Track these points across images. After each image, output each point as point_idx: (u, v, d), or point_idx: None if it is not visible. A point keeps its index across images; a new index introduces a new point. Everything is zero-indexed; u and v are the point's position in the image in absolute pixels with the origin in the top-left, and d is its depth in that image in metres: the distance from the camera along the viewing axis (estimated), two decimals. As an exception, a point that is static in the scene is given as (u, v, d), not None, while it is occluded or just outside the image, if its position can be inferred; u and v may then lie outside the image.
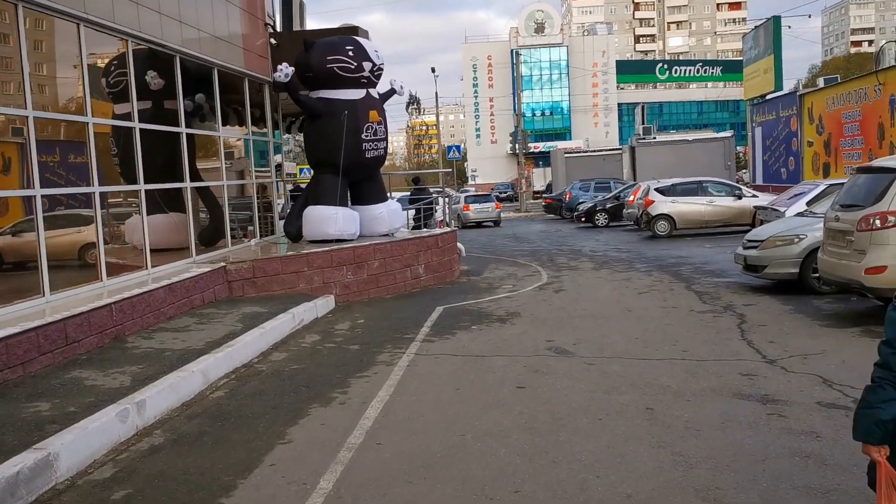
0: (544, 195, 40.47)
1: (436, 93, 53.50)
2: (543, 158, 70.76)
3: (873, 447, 2.89)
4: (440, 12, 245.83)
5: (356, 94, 13.61)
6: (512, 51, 77.93)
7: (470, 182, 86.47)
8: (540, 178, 66.04)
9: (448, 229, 15.71)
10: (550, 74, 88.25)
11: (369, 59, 13.57)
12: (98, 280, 9.28)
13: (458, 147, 43.13)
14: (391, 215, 14.35)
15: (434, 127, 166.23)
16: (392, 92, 15.06)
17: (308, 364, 8.26)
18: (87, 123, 9.41)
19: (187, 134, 12.43)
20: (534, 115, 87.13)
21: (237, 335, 8.68)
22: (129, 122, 10.88)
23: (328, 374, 7.76)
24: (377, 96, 14.10)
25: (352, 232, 13.45)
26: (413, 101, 54.36)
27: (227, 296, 11.26)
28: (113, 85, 13.42)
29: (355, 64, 13.41)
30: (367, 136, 13.61)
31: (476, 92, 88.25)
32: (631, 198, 26.47)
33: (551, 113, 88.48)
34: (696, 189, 23.45)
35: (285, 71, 12.73)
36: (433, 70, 52.94)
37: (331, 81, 13.42)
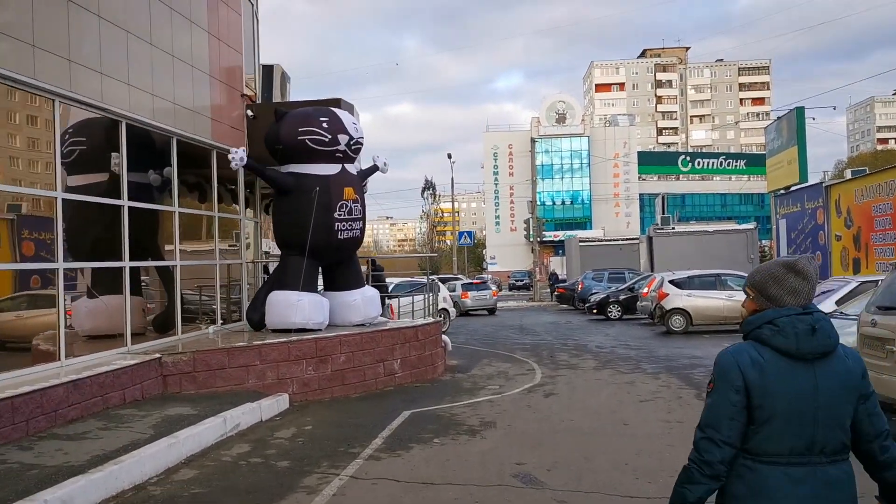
0: (556, 284, 38.87)
1: (451, 178, 52.77)
2: (562, 247, 69.66)
3: None
4: (468, 103, 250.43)
5: (330, 169, 12.36)
6: (532, 139, 77.84)
7: (488, 269, 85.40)
8: (559, 266, 64.74)
9: (430, 320, 14.20)
10: (571, 164, 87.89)
11: (345, 132, 12.36)
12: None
13: (469, 233, 41.96)
14: (367, 303, 12.88)
15: (455, 213, 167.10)
16: (374, 169, 13.80)
17: (214, 488, 6.66)
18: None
19: (148, 209, 11.19)
20: (554, 203, 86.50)
21: (139, 446, 7.14)
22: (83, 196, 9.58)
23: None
24: (355, 172, 12.83)
25: (318, 321, 11.97)
26: (428, 186, 53.79)
27: (160, 392, 9.74)
28: (66, 155, 12.34)
29: (329, 136, 12.20)
30: (340, 214, 12.28)
31: (496, 180, 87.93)
32: (645, 290, 24.89)
33: (571, 202, 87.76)
34: (715, 282, 21.85)
35: (238, 155, 11.54)
36: (449, 156, 52.35)
37: (302, 155, 12.20)
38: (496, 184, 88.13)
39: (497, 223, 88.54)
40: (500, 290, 64.96)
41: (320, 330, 12.03)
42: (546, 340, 20.46)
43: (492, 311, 32.99)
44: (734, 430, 2.71)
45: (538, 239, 43.40)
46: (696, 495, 2.75)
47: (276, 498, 6.36)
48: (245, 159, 11.56)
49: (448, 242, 46.24)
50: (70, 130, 11.82)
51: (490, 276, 68.06)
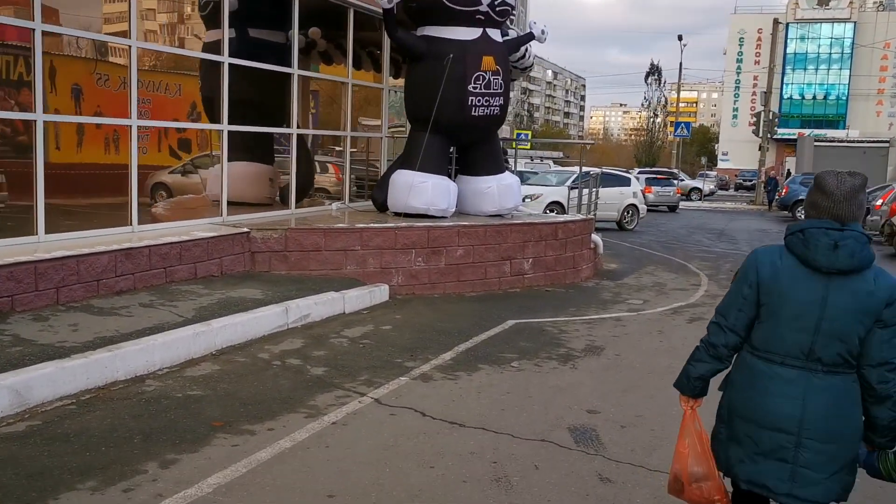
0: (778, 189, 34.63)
1: (680, 64, 48.23)
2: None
3: (682, 398, 3.18)
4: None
5: (469, 33, 10.71)
6: (786, 24, 69.73)
7: (719, 166, 79.40)
8: (794, 167, 58.42)
9: (579, 216, 12.43)
10: (830, 53, 77.85)
11: (489, -10, 10.58)
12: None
13: (687, 125, 38.09)
14: (503, 192, 11.36)
15: (691, 104, 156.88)
16: (528, 37, 11.95)
17: (215, 392, 5.73)
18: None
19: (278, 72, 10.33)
20: (803, 98, 77.72)
21: (161, 331, 6.37)
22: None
23: (209, 417, 5.20)
24: (499, 39, 11.08)
25: (441, 207, 10.67)
26: (652, 71, 49.63)
27: (245, 269, 9.01)
28: (202, 7, 11.68)
29: (470, -6, 10.49)
30: (475, 87, 10.68)
31: (739, 68, 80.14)
32: (879, 202, 21.12)
33: (825, 97, 78.26)
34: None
35: None
36: (680, 38, 47.71)
37: (438, 15, 10.63)
38: (738, 73, 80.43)
39: (735, 116, 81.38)
40: (728, 189, 60.25)
41: (444, 217, 10.76)
42: (740, 251, 17.89)
43: (672, 208, 32.12)
44: (740, 321, 2.96)
45: (769, 135, 38.74)
46: (699, 372, 3.08)
47: (277, 412, 5.31)
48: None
49: (671, 134, 42.58)
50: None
51: (715, 174, 63.09)
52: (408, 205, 10.66)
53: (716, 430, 3.12)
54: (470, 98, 10.68)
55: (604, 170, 27.00)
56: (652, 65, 49.65)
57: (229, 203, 11.18)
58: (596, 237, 12.58)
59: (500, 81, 10.89)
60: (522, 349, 7.56)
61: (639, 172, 41.23)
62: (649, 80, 49.78)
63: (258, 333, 7.24)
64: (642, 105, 52.52)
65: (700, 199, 42.41)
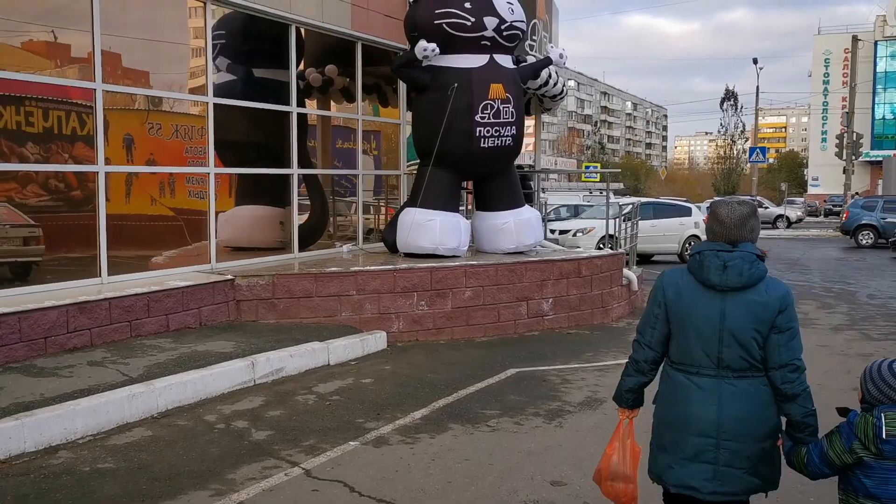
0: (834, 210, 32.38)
1: (756, 87, 46.21)
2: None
3: (619, 409, 3.49)
4: (814, 7, 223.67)
5: (474, 60, 10.04)
6: (874, 42, 66.71)
7: (809, 192, 76.04)
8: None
9: (604, 252, 11.48)
10: (927, 70, 73.90)
11: (493, 14, 9.91)
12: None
13: (763, 150, 36.19)
14: (521, 227, 10.55)
15: (780, 129, 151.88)
16: (546, 62, 11.19)
17: (132, 464, 5.11)
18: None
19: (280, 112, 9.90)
20: (896, 117, 73.86)
21: (95, 392, 5.83)
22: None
23: (101, 498, 4.58)
24: (509, 66, 10.37)
25: (450, 246, 9.95)
26: (728, 97, 47.78)
27: (231, 319, 8.48)
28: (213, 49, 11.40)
29: (473, 20, 9.84)
30: (482, 117, 9.98)
31: (826, 90, 76.89)
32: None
33: (924, 117, 74.13)
34: None
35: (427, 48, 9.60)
36: (755, 61, 45.85)
37: (441, 43, 10.01)
38: (825, 94, 77.17)
39: (823, 139, 77.81)
40: (818, 216, 57.29)
41: (456, 257, 10.03)
42: (808, 282, 16.48)
43: None
44: (655, 338, 3.29)
45: (853, 157, 36.50)
46: (628, 385, 3.42)
47: (164, 496, 4.63)
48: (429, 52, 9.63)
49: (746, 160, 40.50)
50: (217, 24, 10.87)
51: (802, 200, 60.20)
52: (415, 245, 9.99)
53: (650, 441, 3.34)
54: (478, 128, 9.98)
55: (661, 200, 25.86)
56: (727, 90, 47.78)
57: (238, 249, 10.85)
58: (630, 273, 11.60)
59: (511, 110, 10.15)
60: (509, 404, 6.72)
61: (710, 203, 39.48)
62: (724, 106, 47.89)
63: (216, 391, 6.64)
64: (718, 132, 50.44)
65: (786, 227, 40.28)
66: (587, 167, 38.63)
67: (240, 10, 9.56)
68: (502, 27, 10.00)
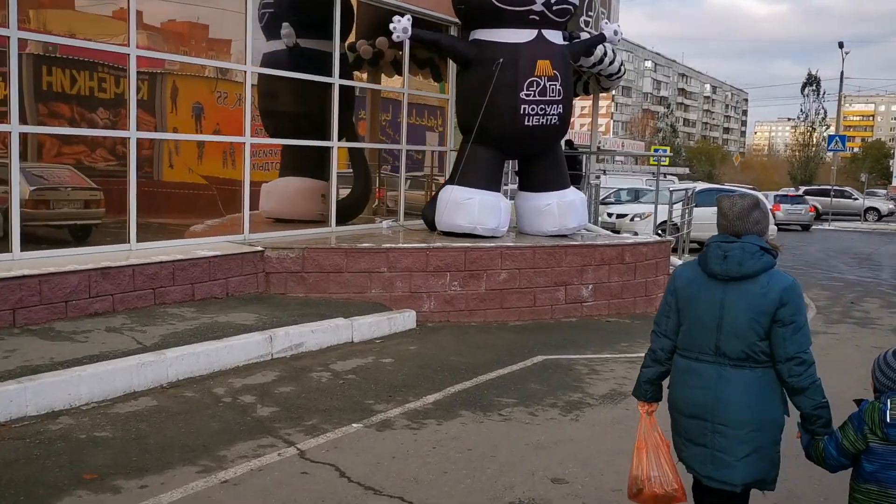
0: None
1: (841, 73, 44.26)
2: None
3: (639, 403, 3.53)
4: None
5: (522, 35, 9.69)
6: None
7: (893, 184, 72.90)
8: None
9: (653, 238, 11.04)
10: None
11: (544, -13, 9.54)
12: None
13: (842, 138, 34.55)
14: (564, 210, 10.22)
15: (867, 118, 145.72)
16: (600, 38, 10.75)
17: (129, 434, 5.06)
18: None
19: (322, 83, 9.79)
20: None
21: (106, 359, 5.82)
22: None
23: (88, 467, 4.53)
24: (559, 42, 9.99)
25: (489, 226, 9.69)
26: (810, 82, 45.85)
27: (260, 291, 8.42)
28: (260, 18, 11.34)
29: (521, -9, 9.50)
30: (528, 94, 9.64)
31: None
32: None
33: None
34: None
35: (400, 25, 9.22)
36: (841, 45, 43.88)
37: (487, 17, 9.70)
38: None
39: (913, 128, 74.45)
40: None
41: (495, 237, 9.78)
42: (878, 279, 15.67)
43: (806, 227, 30.25)
44: (669, 326, 3.40)
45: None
46: (646, 376, 3.49)
47: (151, 469, 4.55)
48: (409, 30, 9.36)
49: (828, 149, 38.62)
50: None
51: (885, 192, 57.55)
52: (453, 223, 9.77)
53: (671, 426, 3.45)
54: (522, 106, 9.65)
55: (722, 186, 25.00)
56: (809, 75, 45.73)
57: (280, 220, 10.81)
58: (679, 261, 11.14)
59: (558, 87, 9.79)
60: (528, 393, 6.48)
61: (805, 191, 37.98)
62: (806, 92, 45.96)
63: (230, 364, 6.57)
64: (798, 118, 48.50)
65: (877, 220, 38.18)
66: (656, 150, 37.57)
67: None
68: (552, 1, 9.62)
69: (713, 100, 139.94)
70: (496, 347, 8.02)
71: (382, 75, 12.89)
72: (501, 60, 9.58)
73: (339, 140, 10.93)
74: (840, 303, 12.27)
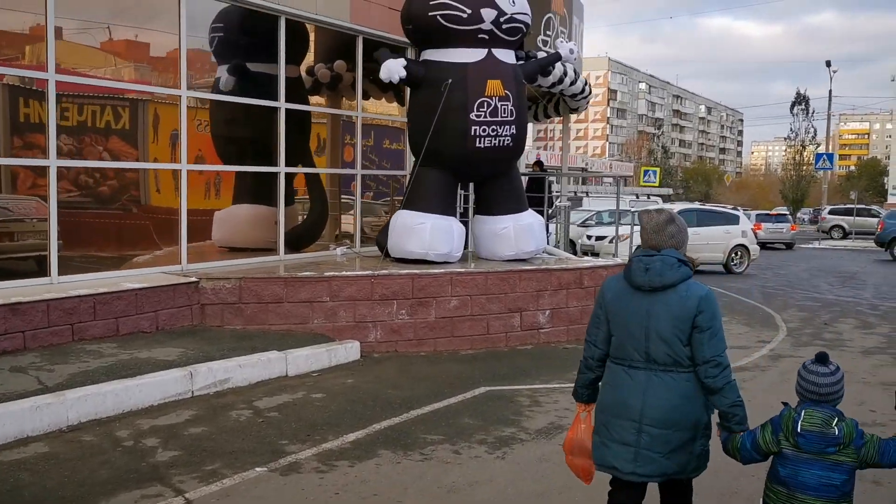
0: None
1: (829, 91, 44.09)
2: None
3: (577, 404, 3.79)
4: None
5: (470, 55, 9.41)
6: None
7: (889, 200, 72.85)
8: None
9: (613, 261, 10.68)
10: None
11: (491, 5, 9.26)
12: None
13: (829, 156, 34.36)
14: (520, 233, 9.87)
15: (862, 136, 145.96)
16: (555, 57, 10.48)
17: None
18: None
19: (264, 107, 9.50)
20: None
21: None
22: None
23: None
24: (510, 61, 9.71)
25: (442, 252, 9.35)
26: (799, 101, 45.68)
27: (193, 324, 8.06)
28: (210, 43, 11.06)
29: (469, 11, 9.21)
30: (478, 115, 9.34)
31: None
32: None
33: None
34: None
35: (391, 67, 9.14)
36: (828, 64, 43.77)
37: (436, 37, 9.42)
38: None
39: (908, 146, 74.52)
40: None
41: (448, 263, 9.44)
42: (857, 299, 15.26)
43: (789, 245, 30.77)
44: (599, 336, 3.62)
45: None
46: (581, 381, 3.74)
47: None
48: (403, 73, 9.15)
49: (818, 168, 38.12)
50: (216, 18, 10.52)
51: (882, 209, 57.31)
52: (405, 249, 9.42)
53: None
54: (473, 127, 9.35)
55: (705, 206, 24.70)
56: (798, 94, 45.52)
57: (234, 249, 10.47)
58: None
59: (510, 108, 9.49)
60: (459, 428, 6.10)
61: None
62: (795, 111, 45.79)
63: (143, 403, 6.19)
64: (787, 138, 48.32)
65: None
66: (646, 171, 37.32)
67: (221, 0, 9.12)
68: (501, 19, 9.34)
69: (708, 120, 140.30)
70: (439, 379, 7.64)
71: (343, 98, 12.61)
72: (450, 81, 9.29)
73: (294, 165, 10.66)
74: (813, 324, 11.89)
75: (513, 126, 9.58)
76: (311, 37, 11.83)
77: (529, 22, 9.85)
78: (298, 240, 10.89)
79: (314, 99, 12.12)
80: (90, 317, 7.16)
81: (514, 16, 9.46)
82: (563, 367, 8.28)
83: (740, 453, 3.32)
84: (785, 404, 3.26)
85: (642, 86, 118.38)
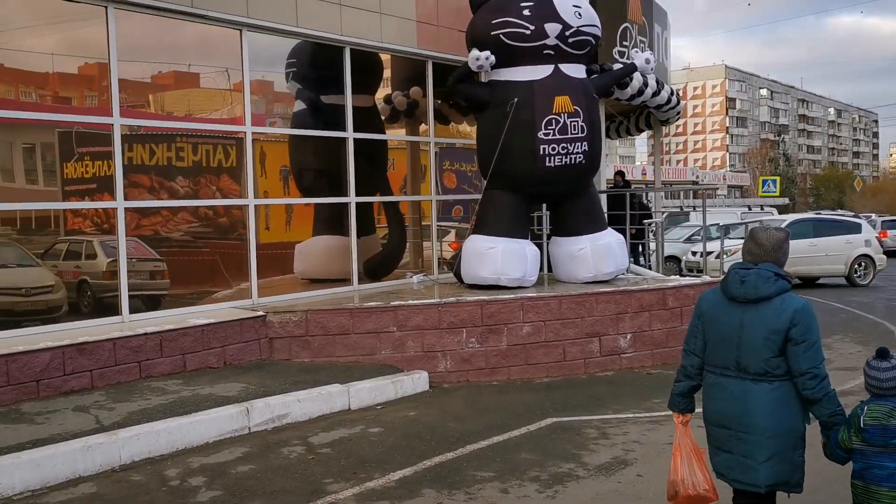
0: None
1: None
2: None
3: (674, 414, 3.89)
4: None
5: (536, 72, 9.13)
6: None
7: None
8: None
9: (700, 279, 10.03)
10: None
11: (556, 20, 8.97)
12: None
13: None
14: (598, 254, 9.44)
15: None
16: (630, 69, 10.04)
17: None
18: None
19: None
20: None
21: (53, 442, 5.57)
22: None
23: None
24: (579, 76, 9.36)
25: (514, 276, 9.05)
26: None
27: (262, 358, 8.08)
28: (286, 77, 11.25)
29: (532, 27, 8.96)
30: (546, 133, 9.03)
31: None
32: None
33: None
34: None
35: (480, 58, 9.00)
36: None
37: (501, 57, 9.17)
38: None
39: None
40: None
41: (523, 288, 9.13)
42: None
43: None
44: (696, 345, 3.75)
45: None
46: (679, 389, 3.85)
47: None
48: (490, 57, 8.99)
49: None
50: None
51: None
52: (476, 275, 9.18)
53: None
54: (541, 146, 9.04)
55: (824, 215, 23.17)
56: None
57: (315, 280, 10.51)
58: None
59: (581, 124, 9.12)
60: (514, 464, 5.77)
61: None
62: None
63: (197, 441, 6.19)
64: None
65: None
66: (764, 181, 35.64)
67: (282, 35, 9.24)
68: (567, 33, 9.03)
69: (839, 124, 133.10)
70: (506, 410, 7.32)
71: (422, 125, 12.56)
72: (516, 100, 9.04)
73: (371, 194, 10.65)
74: (940, 340, 10.81)
75: (584, 143, 9.20)
76: (387, 66, 11.86)
77: (599, 34, 9.48)
78: (377, 269, 10.84)
79: (392, 127, 12.12)
80: (157, 354, 7.27)
81: (581, 28, 9.13)
82: (643, 395, 7.79)
83: (832, 453, 3.51)
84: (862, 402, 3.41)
85: (763, 92, 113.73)
